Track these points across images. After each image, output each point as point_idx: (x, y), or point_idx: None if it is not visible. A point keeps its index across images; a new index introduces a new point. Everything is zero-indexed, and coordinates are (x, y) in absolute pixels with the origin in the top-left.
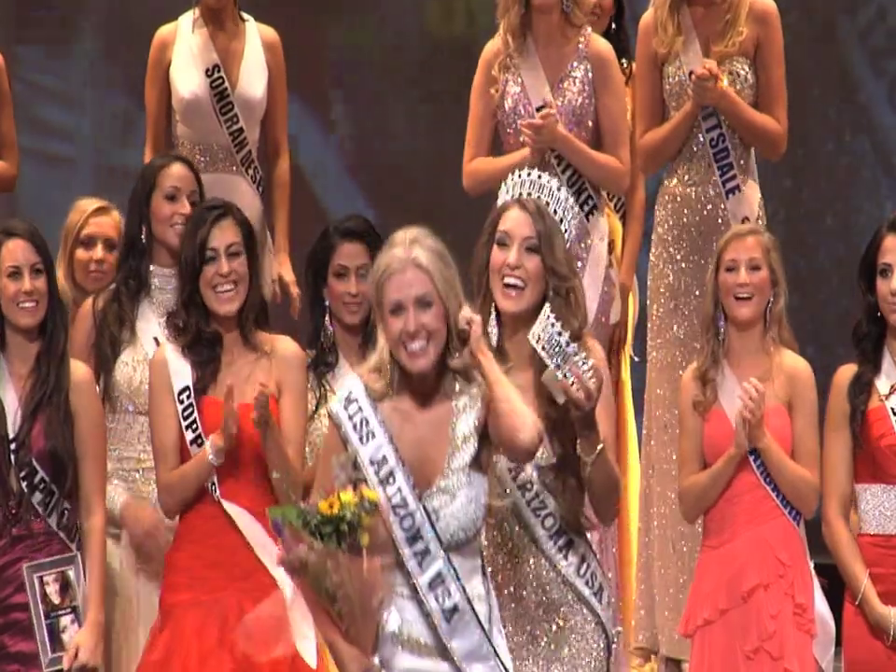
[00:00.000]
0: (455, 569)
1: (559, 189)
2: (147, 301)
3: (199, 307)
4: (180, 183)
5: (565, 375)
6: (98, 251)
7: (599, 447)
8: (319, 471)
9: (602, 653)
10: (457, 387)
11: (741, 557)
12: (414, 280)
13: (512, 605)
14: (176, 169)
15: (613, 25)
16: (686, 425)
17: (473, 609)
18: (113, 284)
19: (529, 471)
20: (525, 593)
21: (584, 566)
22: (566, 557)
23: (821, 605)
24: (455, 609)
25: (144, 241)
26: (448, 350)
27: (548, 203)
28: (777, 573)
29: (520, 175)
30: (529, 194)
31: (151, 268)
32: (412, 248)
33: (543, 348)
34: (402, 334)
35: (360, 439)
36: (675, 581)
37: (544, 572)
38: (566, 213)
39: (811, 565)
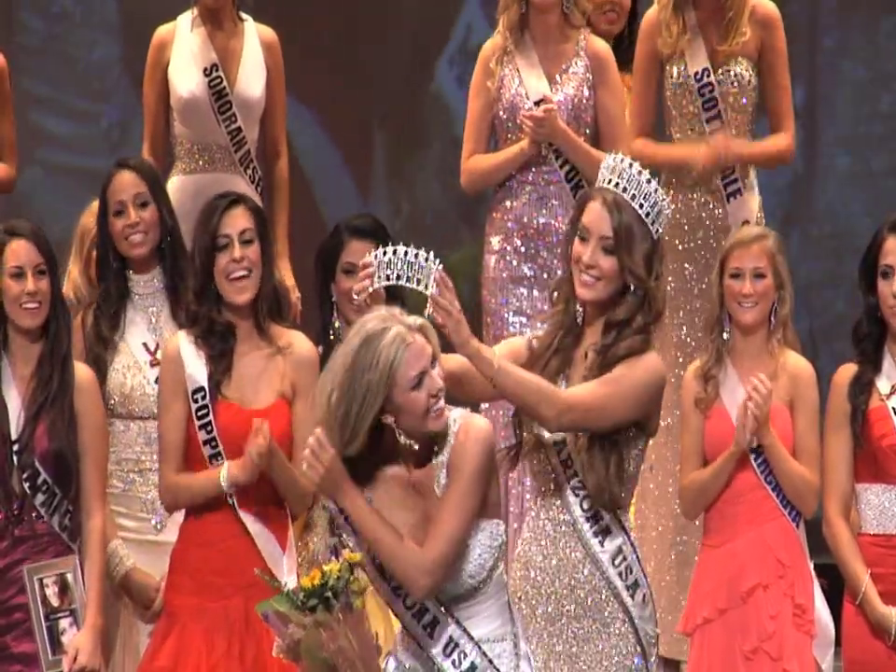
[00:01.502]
0: (465, 629)
1: (648, 183)
2: (132, 310)
3: (211, 297)
4: (123, 195)
5: (427, 287)
6: None
7: (495, 366)
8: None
9: (633, 652)
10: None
11: (741, 557)
12: (425, 345)
13: (541, 601)
14: (118, 181)
15: (625, 31)
16: (688, 422)
17: (492, 662)
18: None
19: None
20: (555, 586)
21: (620, 556)
22: (601, 544)
23: (821, 606)
24: (472, 667)
25: (112, 261)
26: None
27: (634, 197)
28: (777, 574)
29: (614, 160)
30: (618, 184)
31: (133, 277)
32: (402, 318)
33: (398, 277)
34: (429, 400)
35: (354, 531)
36: (670, 581)
37: (579, 564)
38: (653, 208)
39: (811, 565)
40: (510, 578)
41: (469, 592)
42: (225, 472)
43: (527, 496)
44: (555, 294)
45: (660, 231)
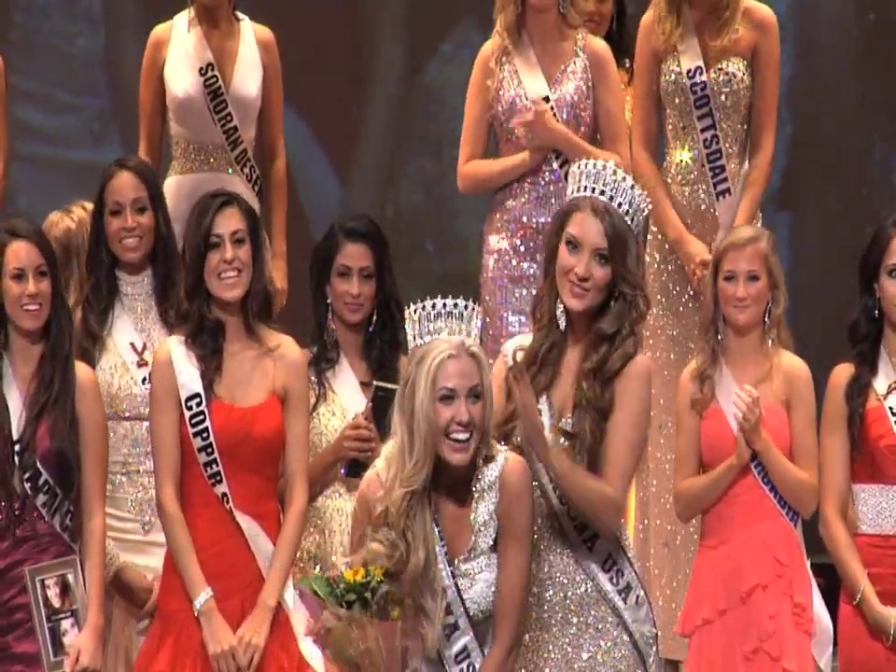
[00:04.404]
0: (480, 645)
1: (627, 183)
2: (119, 308)
3: (202, 295)
4: (120, 196)
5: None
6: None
7: (556, 465)
8: (351, 543)
9: (628, 654)
10: (479, 472)
11: (739, 557)
12: (470, 369)
13: (535, 607)
14: (117, 181)
15: (614, 27)
16: (683, 425)
17: None
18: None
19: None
20: (548, 594)
21: (610, 561)
22: (590, 549)
23: (819, 605)
24: None
25: (104, 257)
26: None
27: (620, 205)
28: (776, 573)
29: (586, 166)
30: (603, 191)
31: (122, 277)
32: (463, 340)
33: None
34: (451, 423)
35: None
36: (669, 583)
37: (569, 568)
38: (635, 210)
39: (808, 564)
40: None
41: (482, 620)
42: (205, 598)
43: None
44: (536, 312)
45: (639, 228)
